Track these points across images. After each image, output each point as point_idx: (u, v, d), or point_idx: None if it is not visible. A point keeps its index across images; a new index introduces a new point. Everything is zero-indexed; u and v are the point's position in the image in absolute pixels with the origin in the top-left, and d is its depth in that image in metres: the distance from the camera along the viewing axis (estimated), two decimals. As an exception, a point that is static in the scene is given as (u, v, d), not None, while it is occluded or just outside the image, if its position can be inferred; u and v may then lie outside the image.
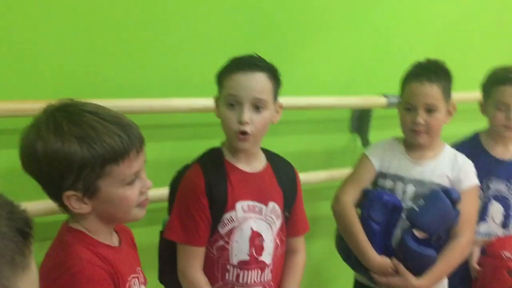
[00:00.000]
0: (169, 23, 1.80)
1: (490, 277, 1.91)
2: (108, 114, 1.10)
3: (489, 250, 1.93)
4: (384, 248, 1.73)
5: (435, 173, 1.77)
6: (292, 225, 1.58)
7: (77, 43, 1.63)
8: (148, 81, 1.79)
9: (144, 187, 1.16)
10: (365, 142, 2.25)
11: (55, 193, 1.09)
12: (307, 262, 1.65)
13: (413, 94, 1.74)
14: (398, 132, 1.88)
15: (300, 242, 1.62)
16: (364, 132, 2.29)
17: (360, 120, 2.30)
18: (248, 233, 1.46)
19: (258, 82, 1.42)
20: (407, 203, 1.75)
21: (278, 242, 1.53)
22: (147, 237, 1.54)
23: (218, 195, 1.43)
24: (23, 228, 0.70)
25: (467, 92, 2.38)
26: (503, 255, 1.87)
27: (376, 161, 1.81)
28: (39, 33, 1.57)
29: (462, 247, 1.75)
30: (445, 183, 1.76)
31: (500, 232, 1.99)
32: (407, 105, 1.76)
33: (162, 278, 1.58)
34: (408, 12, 2.39)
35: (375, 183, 1.83)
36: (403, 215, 1.73)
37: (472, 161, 1.92)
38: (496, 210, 1.99)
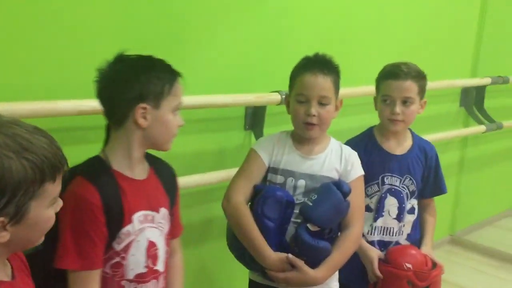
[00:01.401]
0: (49, 15, 1.68)
1: (390, 285, 1.95)
2: (28, 126, 0.97)
3: (390, 259, 1.96)
4: (279, 244, 1.72)
5: (324, 166, 1.79)
6: (172, 227, 1.53)
7: None
8: (30, 83, 1.66)
9: (58, 206, 1.06)
10: (260, 139, 2.24)
11: None
12: (202, 265, 1.61)
13: (306, 86, 1.74)
14: (292, 128, 1.88)
15: (178, 243, 1.61)
16: (258, 130, 2.29)
17: (254, 118, 2.29)
18: (144, 245, 1.40)
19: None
20: (299, 198, 1.75)
21: (167, 247, 1.49)
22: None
23: (116, 210, 1.34)
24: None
25: (351, 88, 2.45)
26: (405, 266, 1.92)
27: (266, 156, 1.79)
28: None
29: (355, 237, 1.78)
30: (335, 175, 1.79)
31: (395, 225, 2.05)
32: (299, 97, 1.76)
33: None
34: (298, 10, 2.41)
35: (265, 179, 1.81)
36: (296, 211, 1.73)
37: (368, 156, 1.97)
38: (391, 204, 2.05)
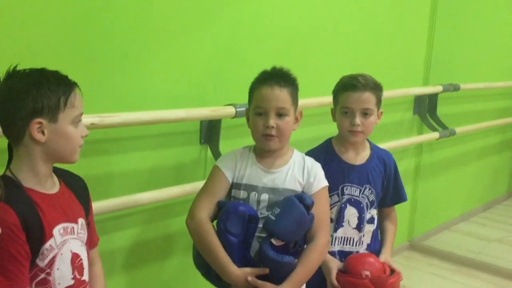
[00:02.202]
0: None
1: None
2: None
3: (349, 268, 1.95)
4: (243, 260, 1.71)
5: (287, 179, 1.79)
6: (89, 238, 1.51)
7: None
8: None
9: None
10: (216, 153, 2.22)
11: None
12: (165, 283, 1.57)
13: (263, 99, 1.74)
14: (247, 141, 1.87)
15: (96, 253, 1.61)
16: (214, 143, 2.27)
17: (210, 131, 2.26)
18: (69, 257, 1.39)
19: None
20: (263, 212, 1.74)
21: (87, 256, 1.48)
22: None
23: (35, 226, 1.31)
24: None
25: (309, 99, 2.45)
26: (363, 274, 1.91)
27: (229, 172, 1.78)
28: None
29: (320, 249, 1.78)
30: (298, 188, 1.79)
31: (355, 235, 2.05)
32: (257, 109, 1.76)
33: None
34: (254, 22, 2.40)
35: (229, 195, 1.80)
36: (260, 225, 1.72)
37: (327, 167, 1.97)
38: (351, 214, 2.04)
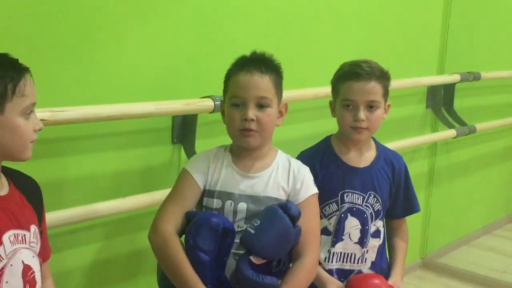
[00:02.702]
0: None
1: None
2: None
3: None
4: (217, 282, 1.70)
5: (269, 185, 1.79)
6: (41, 249, 1.51)
7: None
8: None
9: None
10: (191, 154, 2.22)
11: None
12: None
13: (241, 87, 1.75)
14: (229, 140, 1.85)
15: (48, 267, 1.61)
16: (189, 143, 2.26)
17: (184, 129, 2.25)
18: (20, 269, 1.40)
19: None
20: (241, 225, 1.74)
21: (40, 270, 1.48)
22: None
23: None
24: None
25: (302, 89, 2.45)
26: None
27: (200, 177, 1.78)
28: None
29: (308, 268, 1.78)
30: (282, 196, 1.79)
31: (357, 251, 2.05)
32: (234, 100, 1.76)
33: None
34: (233, 6, 2.39)
35: (201, 204, 1.79)
36: (237, 240, 1.71)
37: (325, 170, 1.97)
38: (352, 225, 2.04)
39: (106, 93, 2.02)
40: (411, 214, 2.18)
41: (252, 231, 1.68)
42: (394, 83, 2.13)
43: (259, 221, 1.69)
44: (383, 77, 2.00)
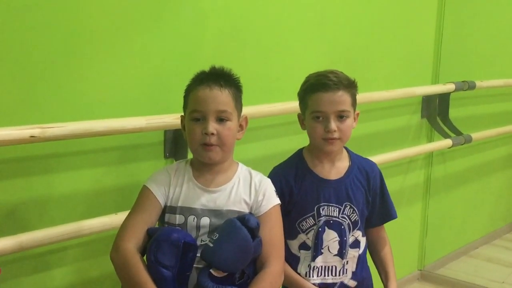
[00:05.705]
0: None
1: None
2: None
3: None
4: None
5: (231, 199, 1.81)
6: None
7: None
8: None
9: None
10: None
11: None
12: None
13: (201, 101, 1.77)
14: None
15: None
16: (181, 156, 2.23)
17: (176, 143, 2.25)
18: None
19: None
20: (204, 239, 1.75)
21: None
22: None
23: None
24: None
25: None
26: None
27: (160, 194, 1.80)
28: None
29: (271, 278, 1.78)
30: (245, 209, 1.81)
31: (338, 263, 2.04)
32: (194, 114, 1.79)
33: None
34: (219, 17, 2.39)
35: (163, 220, 1.80)
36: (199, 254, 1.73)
37: (300, 184, 1.99)
38: (331, 238, 2.03)
39: (97, 108, 2.01)
40: (387, 221, 2.18)
41: (211, 245, 1.70)
42: (388, 94, 2.13)
43: (217, 235, 1.71)
44: (350, 86, 2.00)
